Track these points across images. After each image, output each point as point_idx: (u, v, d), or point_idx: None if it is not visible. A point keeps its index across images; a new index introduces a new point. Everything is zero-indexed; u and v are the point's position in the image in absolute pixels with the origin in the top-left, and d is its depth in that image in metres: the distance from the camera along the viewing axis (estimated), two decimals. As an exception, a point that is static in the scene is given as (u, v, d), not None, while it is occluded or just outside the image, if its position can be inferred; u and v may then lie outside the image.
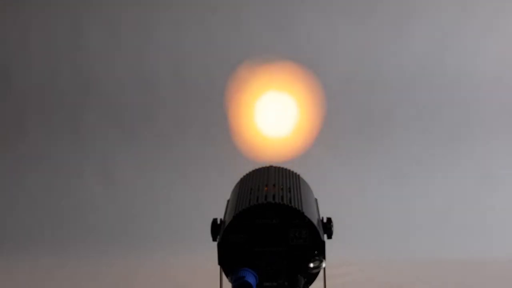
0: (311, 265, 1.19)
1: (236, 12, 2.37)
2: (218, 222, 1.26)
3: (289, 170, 1.43)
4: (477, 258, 2.11)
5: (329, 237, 1.24)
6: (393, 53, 2.39)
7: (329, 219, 1.25)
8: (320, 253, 1.19)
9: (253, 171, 1.43)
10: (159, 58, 2.39)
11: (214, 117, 2.39)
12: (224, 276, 1.22)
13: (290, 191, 1.27)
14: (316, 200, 1.38)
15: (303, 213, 1.19)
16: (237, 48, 2.37)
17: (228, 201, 1.37)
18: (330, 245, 1.23)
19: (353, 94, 2.40)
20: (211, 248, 1.25)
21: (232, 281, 1.18)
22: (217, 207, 1.43)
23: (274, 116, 2.41)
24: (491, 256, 2.12)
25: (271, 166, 1.44)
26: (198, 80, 2.39)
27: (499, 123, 2.39)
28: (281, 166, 1.45)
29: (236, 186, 1.40)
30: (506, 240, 2.22)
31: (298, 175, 1.42)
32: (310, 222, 1.19)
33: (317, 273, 1.21)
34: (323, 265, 1.20)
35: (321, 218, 1.27)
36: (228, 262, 1.20)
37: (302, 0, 2.36)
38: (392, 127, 2.41)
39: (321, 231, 1.21)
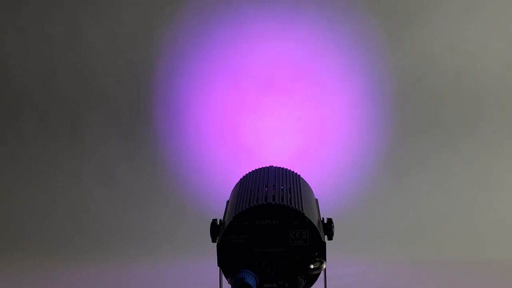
0: (312, 266, 1.19)
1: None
2: (218, 223, 1.25)
3: (290, 170, 1.42)
4: (478, 258, 2.11)
5: (330, 238, 1.23)
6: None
7: (329, 220, 1.24)
8: (320, 254, 1.19)
9: (253, 171, 1.42)
10: (158, 56, 2.39)
11: (214, 117, 2.39)
12: (223, 278, 1.22)
13: (290, 192, 1.26)
14: (316, 200, 1.37)
15: (303, 213, 1.18)
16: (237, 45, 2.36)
17: (228, 201, 1.36)
18: (330, 246, 1.22)
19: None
20: (211, 249, 1.24)
21: (232, 282, 1.17)
22: (217, 207, 1.42)
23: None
24: (492, 257, 2.12)
25: (271, 166, 1.44)
26: (197, 78, 2.39)
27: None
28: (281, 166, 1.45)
29: (235, 187, 1.40)
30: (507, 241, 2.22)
31: (299, 175, 1.41)
32: (310, 223, 1.18)
33: (318, 275, 1.21)
34: (324, 266, 1.19)
35: (321, 218, 1.26)
36: (227, 263, 1.19)
37: None
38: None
39: (321, 232, 1.20)
